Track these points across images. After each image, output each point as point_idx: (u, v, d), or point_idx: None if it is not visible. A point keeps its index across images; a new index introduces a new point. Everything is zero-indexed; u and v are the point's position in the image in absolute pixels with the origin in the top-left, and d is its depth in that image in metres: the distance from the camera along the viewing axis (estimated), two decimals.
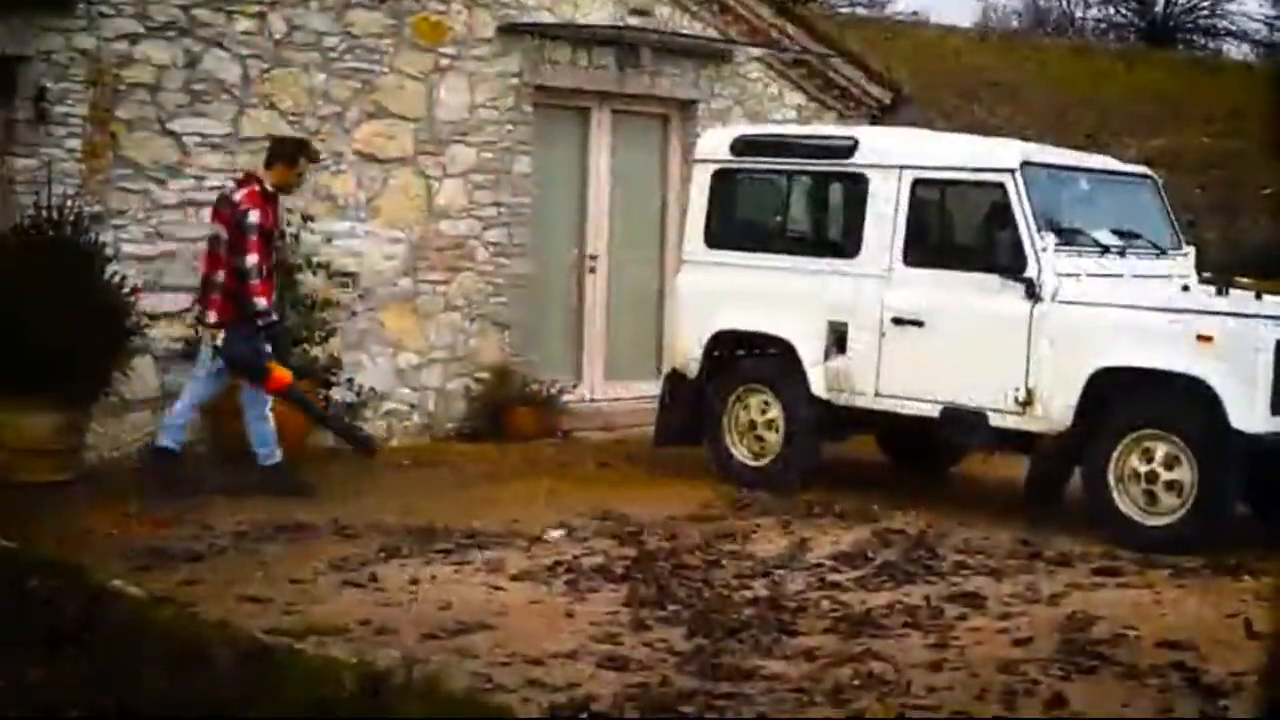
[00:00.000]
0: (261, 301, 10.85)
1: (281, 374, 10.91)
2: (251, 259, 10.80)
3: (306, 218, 12.45)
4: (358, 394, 12.82)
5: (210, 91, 12.16)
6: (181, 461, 11.15)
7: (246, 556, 9.15)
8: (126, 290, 11.28)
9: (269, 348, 10.91)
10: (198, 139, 12.11)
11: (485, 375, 13.76)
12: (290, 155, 11.27)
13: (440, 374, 13.62)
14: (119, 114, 11.74)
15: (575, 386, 14.49)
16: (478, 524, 10.08)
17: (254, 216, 10.84)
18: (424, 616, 7.95)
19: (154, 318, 11.78)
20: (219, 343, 10.89)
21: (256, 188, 10.99)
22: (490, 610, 8.11)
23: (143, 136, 11.84)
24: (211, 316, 10.98)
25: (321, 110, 12.77)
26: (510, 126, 13.92)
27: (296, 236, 12.33)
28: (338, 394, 12.58)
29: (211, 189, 12.04)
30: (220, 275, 10.93)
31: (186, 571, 8.67)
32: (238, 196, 10.92)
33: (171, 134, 11.99)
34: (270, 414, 11.08)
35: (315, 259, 12.48)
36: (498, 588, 8.66)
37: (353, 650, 7.11)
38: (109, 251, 11.35)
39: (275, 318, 11.01)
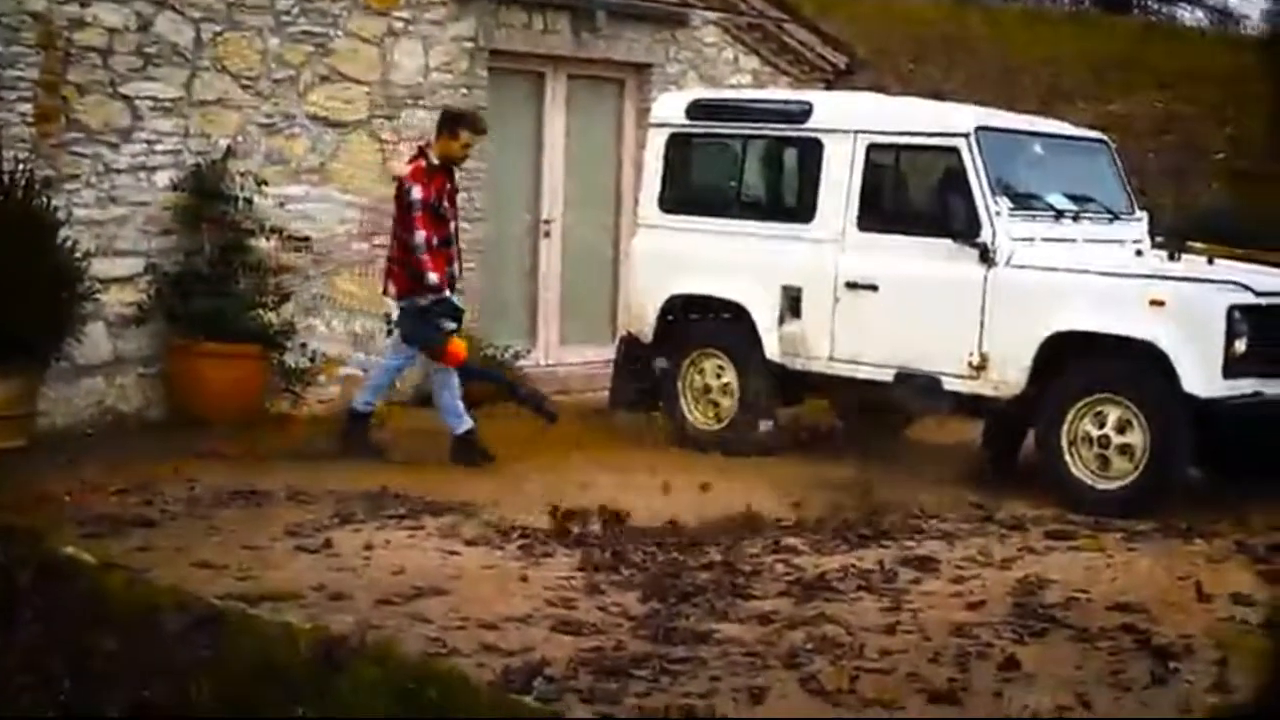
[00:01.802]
0: (432, 276, 10.88)
1: (460, 346, 11.03)
2: (419, 235, 10.87)
3: (260, 181, 12.39)
4: (312, 359, 12.78)
5: (162, 55, 12.07)
6: (368, 424, 11.42)
7: (200, 522, 9.11)
8: (79, 255, 11.22)
9: (451, 323, 10.99)
10: (150, 103, 12.02)
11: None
12: (450, 127, 11.19)
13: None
14: (70, 78, 11.63)
15: (530, 351, 14.47)
16: (431, 489, 10.06)
17: (416, 192, 10.91)
18: (378, 581, 7.93)
19: (106, 283, 11.71)
20: (394, 317, 11.12)
21: (421, 162, 11.07)
22: (444, 575, 8.10)
23: (94, 100, 11.75)
24: (391, 289, 11.18)
25: (275, 74, 12.70)
26: (465, 91, 13.87)
27: (250, 201, 12.27)
28: (291, 359, 12.54)
29: (164, 153, 12.00)
30: (393, 248, 11.16)
31: (140, 538, 8.63)
32: (404, 171, 11.10)
33: (124, 97, 11.90)
34: (455, 385, 11.14)
35: (269, 223, 12.42)
36: (452, 552, 8.65)
37: (307, 616, 7.10)
38: (61, 216, 11.27)
39: (446, 292, 10.97)
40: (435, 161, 11.06)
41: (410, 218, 10.92)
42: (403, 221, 11.00)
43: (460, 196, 13.58)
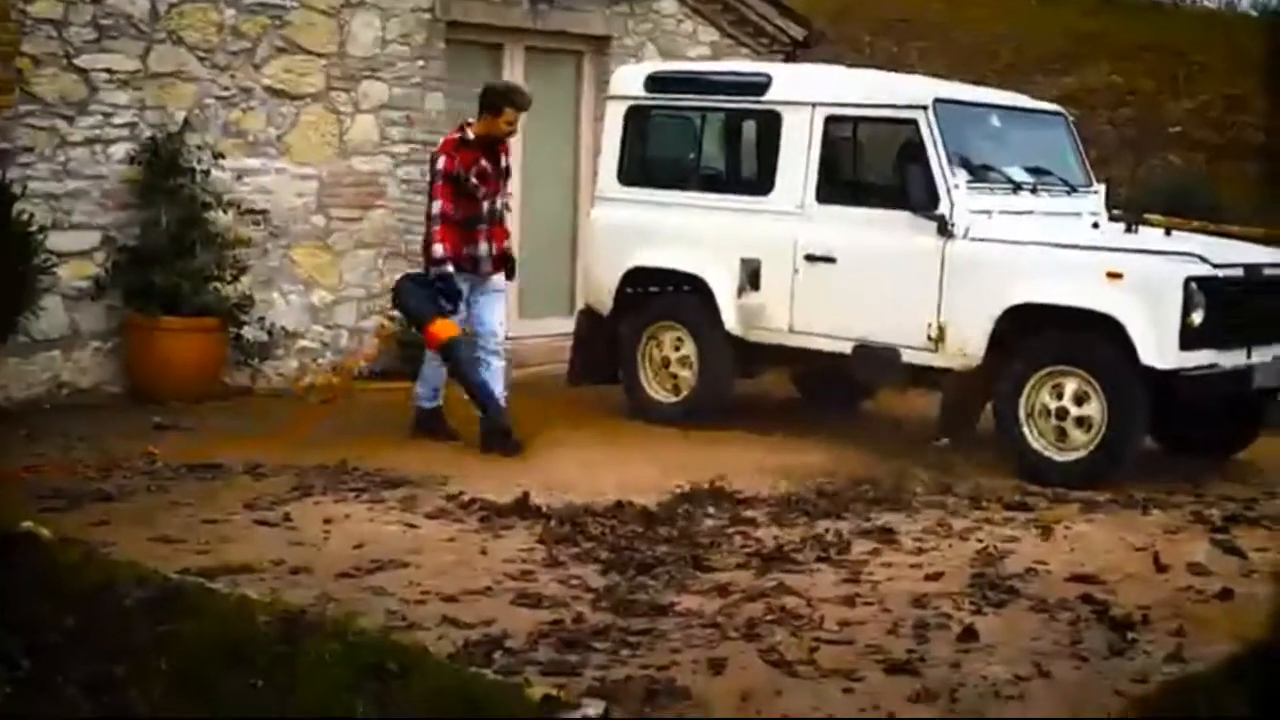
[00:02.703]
0: (438, 248, 10.62)
1: (443, 328, 10.65)
2: (436, 205, 10.68)
3: (217, 154, 12.33)
4: (269, 333, 12.75)
5: (118, 27, 12.00)
6: (437, 414, 11.20)
7: (158, 496, 9.09)
8: (35, 229, 11.15)
9: (448, 304, 10.69)
10: (106, 75, 11.94)
11: (398, 313, 13.68)
12: (493, 104, 10.92)
13: (353, 312, 13.56)
14: (25, 49, 11.55)
15: None
16: (391, 462, 10.05)
17: (439, 163, 10.72)
18: (338, 555, 7.93)
19: (62, 256, 11.64)
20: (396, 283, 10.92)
21: (455, 135, 10.88)
22: (404, 548, 8.10)
23: (50, 72, 11.66)
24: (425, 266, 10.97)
25: (231, 46, 12.63)
26: (422, 63, 13.84)
27: (207, 174, 12.22)
28: (249, 332, 12.51)
29: (120, 125, 11.94)
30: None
31: (98, 512, 8.59)
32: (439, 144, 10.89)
33: (79, 70, 11.81)
34: (435, 361, 10.95)
35: (226, 196, 12.37)
36: (411, 525, 8.64)
37: (266, 590, 7.09)
38: (16, 189, 11.19)
39: (449, 269, 10.67)
40: (471, 137, 10.82)
41: (432, 188, 10.77)
42: (429, 192, 10.86)
43: (416, 169, 13.64)
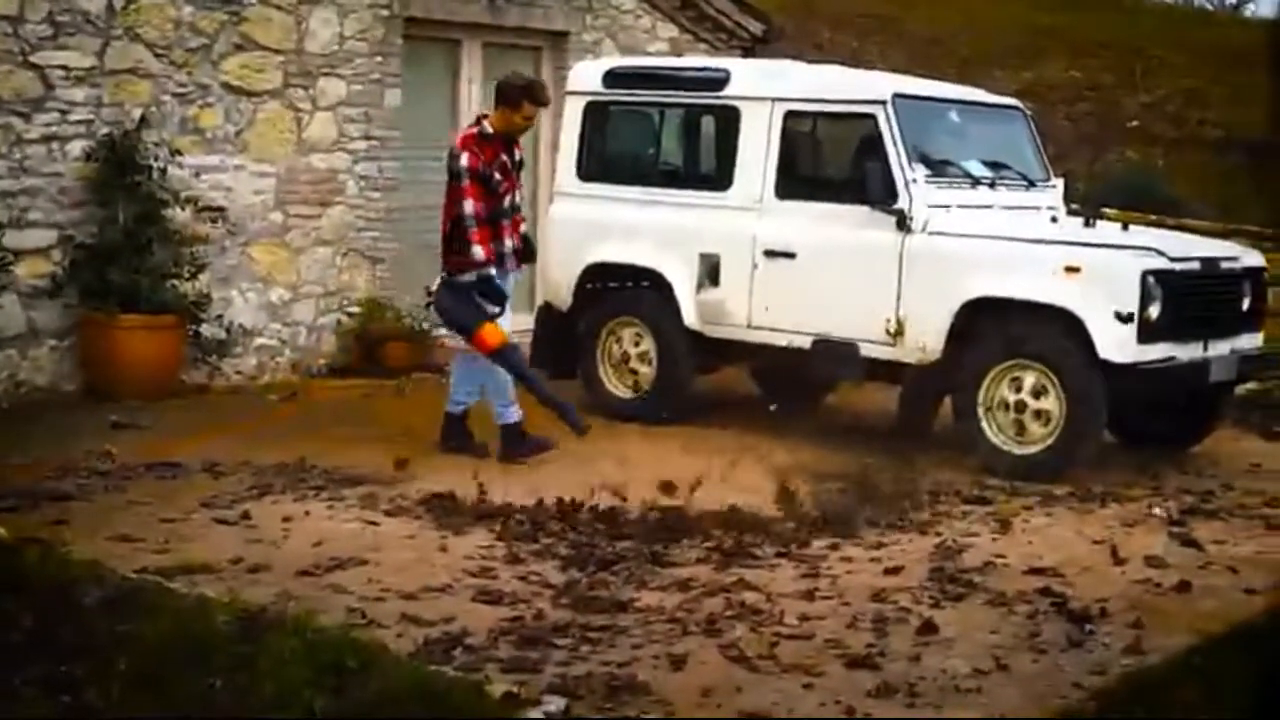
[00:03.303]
0: (478, 250, 10.28)
1: (492, 333, 10.31)
2: (467, 205, 10.29)
3: (174, 151, 12.28)
4: (228, 330, 12.71)
5: (74, 24, 11.93)
6: (461, 419, 10.84)
7: (116, 496, 9.05)
8: None
9: (493, 306, 10.39)
10: (62, 72, 11.88)
11: (357, 310, 13.68)
12: (511, 98, 10.57)
13: (311, 309, 13.52)
14: None
15: None
16: (350, 460, 10.03)
17: (464, 160, 10.33)
18: (297, 553, 7.91)
19: (19, 254, 11.58)
20: (433, 290, 10.49)
21: (473, 130, 10.54)
22: (364, 546, 8.08)
23: (5, 70, 11.59)
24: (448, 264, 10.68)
25: (188, 42, 12.58)
26: (380, 59, 13.80)
27: (164, 171, 12.17)
28: (207, 330, 12.47)
29: (77, 123, 11.88)
30: (444, 222, 10.60)
31: (56, 511, 8.55)
32: (456, 140, 10.59)
33: (35, 67, 11.75)
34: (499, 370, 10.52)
35: (183, 194, 12.32)
36: (371, 523, 8.63)
37: (225, 588, 7.07)
38: None
39: (491, 271, 10.40)
40: (490, 131, 10.50)
41: (458, 187, 10.35)
42: (451, 192, 10.44)
43: (374, 165, 13.61)
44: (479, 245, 10.28)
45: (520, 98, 10.55)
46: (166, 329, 11.93)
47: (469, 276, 10.37)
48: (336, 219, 13.61)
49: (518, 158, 10.80)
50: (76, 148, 11.92)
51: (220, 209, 12.74)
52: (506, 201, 10.58)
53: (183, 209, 12.29)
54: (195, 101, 12.63)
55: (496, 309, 10.39)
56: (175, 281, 12.14)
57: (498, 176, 10.46)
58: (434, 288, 10.53)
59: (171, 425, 11.01)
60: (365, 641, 6.31)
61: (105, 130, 12.05)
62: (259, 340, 13.16)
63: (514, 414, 10.53)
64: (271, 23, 13.09)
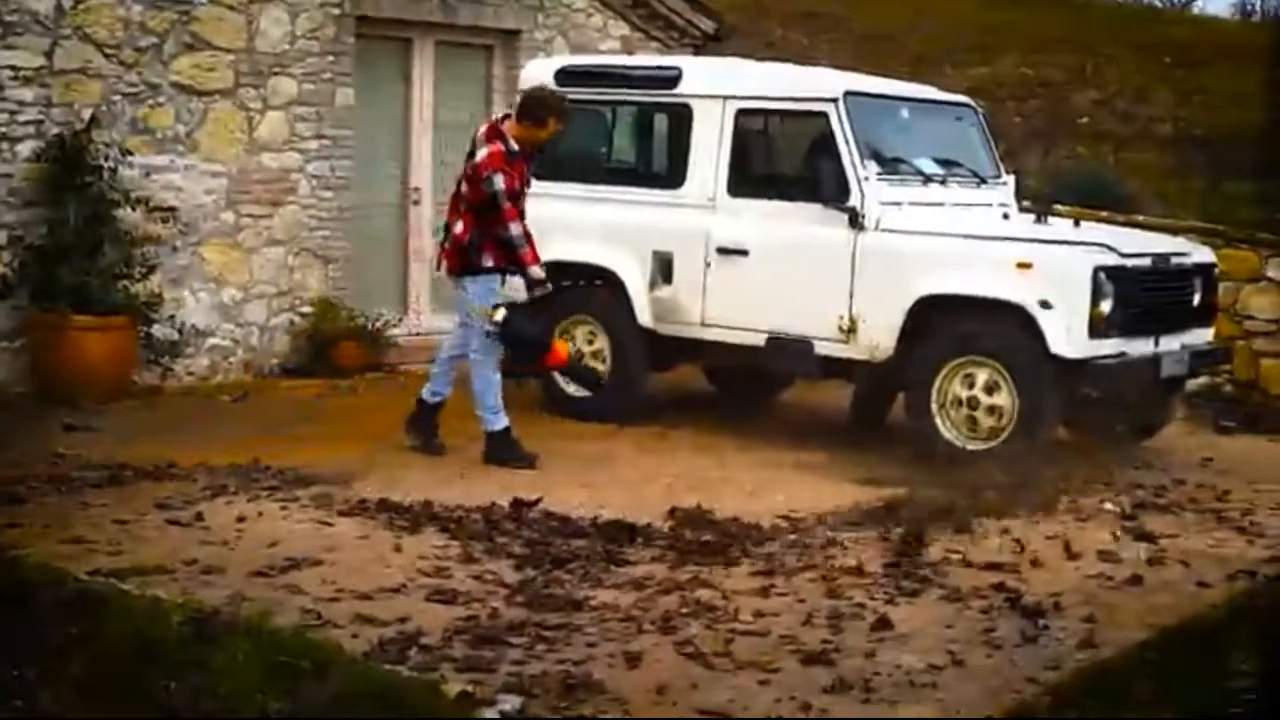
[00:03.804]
0: (536, 270, 10.34)
1: (561, 348, 10.69)
2: (514, 228, 10.26)
3: (125, 151, 12.22)
4: (180, 331, 12.65)
5: (22, 23, 11.87)
6: (434, 410, 10.73)
7: (69, 498, 8.99)
8: None
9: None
10: (10, 72, 11.81)
11: (309, 310, 13.64)
12: (537, 114, 10.50)
13: (264, 309, 13.47)
14: None
15: (401, 319, 14.41)
16: (304, 460, 10.00)
17: (499, 182, 10.21)
18: (251, 554, 7.87)
19: None
20: (499, 318, 10.23)
21: (499, 146, 10.33)
22: (318, 546, 8.05)
23: None
24: (442, 267, 10.66)
25: (138, 41, 12.53)
26: (332, 58, 13.76)
27: (114, 171, 12.11)
28: (159, 331, 12.41)
29: (26, 123, 11.83)
30: (459, 226, 10.44)
31: (8, 514, 8.49)
32: (480, 155, 10.33)
33: None
34: (498, 381, 10.49)
35: (134, 194, 12.26)
36: (325, 523, 8.59)
37: (179, 590, 7.04)
38: None
39: (550, 287, 10.49)
40: (515, 148, 10.38)
41: (499, 210, 10.21)
42: (488, 212, 10.26)
43: (326, 164, 13.58)
44: (536, 265, 10.34)
45: (547, 114, 10.51)
46: (118, 330, 11.87)
47: (477, 284, 10.37)
48: (288, 218, 13.56)
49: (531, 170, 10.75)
50: (26, 148, 11.86)
51: (171, 209, 12.68)
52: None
53: (133, 209, 12.23)
54: (145, 101, 12.58)
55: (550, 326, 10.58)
56: (126, 282, 12.08)
57: (525, 191, 10.50)
58: (498, 317, 10.32)
59: (124, 427, 10.95)
60: (320, 642, 6.29)
61: (55, 130, 11.99)
62: (211, 341, 13.11)
63: (501, 420, 10.44)
64: (222, 22, 13.04)
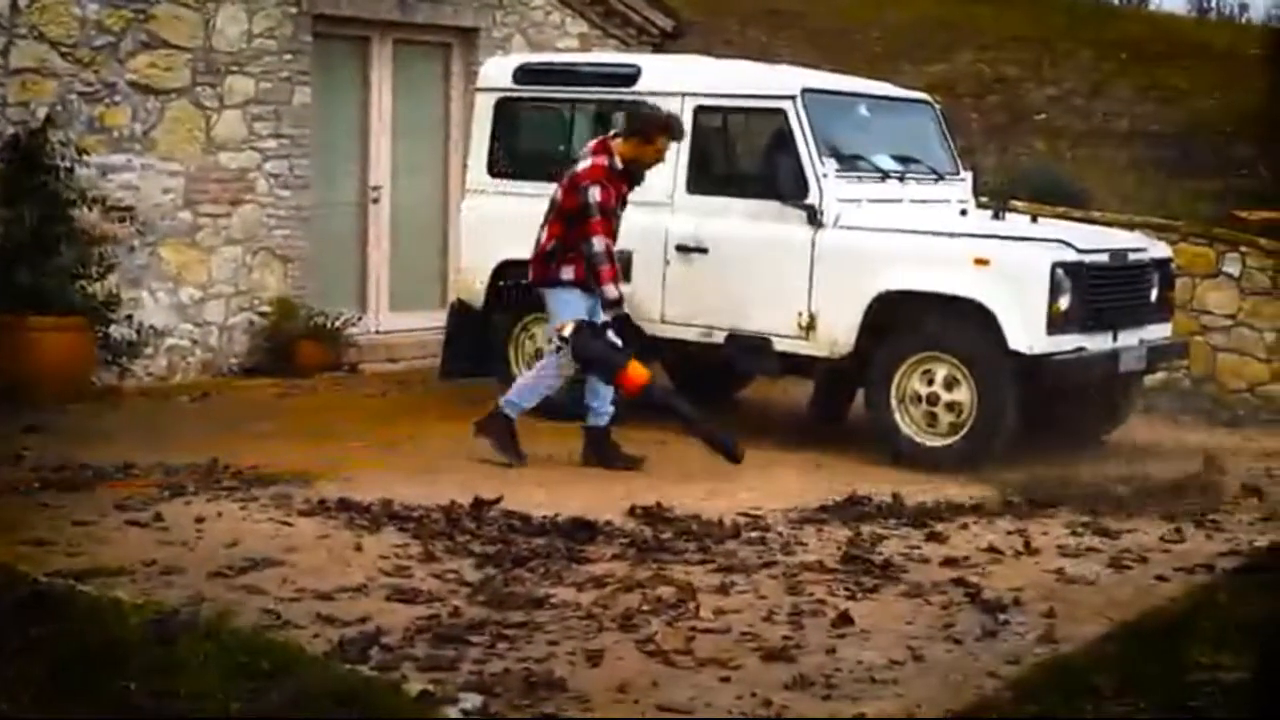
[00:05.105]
0: (611, 290, 10.17)
1: (638, 372, 10.13)
2: (598, 242, 10.11)
3: (81, 151, 12.17)
4: (138, 331, 12.61)
5: None
6: (606, 433, 10.52)
7: (28, 499, 8.95)
8: None
9: (628, 344, 10.20)
10: None
11: (268, 309, 13.61)
12: (645, 131, 10.36)
13: (222, 309, 13.44)
14: None
15: (360, 319, 14.38)
16: (264, 460, 9.97)
17: (595, 194, 10.12)
18: (211, 555, 7.84)
19: None
20: (566, 334, 10.15)
21: (603, 161, 10.27)
22: (278, 546, 8.03)
23: None
24: (530, 276, 10.54)
25: (95, 40, 12.49)
26: (289, 56, 13.73)
27: (71, 170, 12.06)
28: (117, 331, 12.36)
29: None
30: (543, 235, 10.36)
31: None
32: (582, 165, 10.28)
33: None
34: (556, 381, 10.44)
35: (91, 193, 12.21)
36: (285, 523, 8.57)
37: (139, 591, 7.02)
38: None
39: (625, 310, 10.31)
40: (620, 165, 10.33)
41: (588, 221, 10.12)
42: (575, 222, 10.20)
43: (284, 163, 13.54)
44: (611, 284, 10.18)
45: (657, 133, 10.38)
46: (75, 330, 11.83)
47: (556, 296, 10.30)
48: (247, 218, 13.53)
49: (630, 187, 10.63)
50: None
51: (129, 209, 12.64)
52: (618, 230, 10.49)
53: (90, 209, 12.19)
54: (102, 100, 12.54)
55: (630, 348, 10.29)
56: (84, 282, 12.04)
57: (620, 212, 10.40)
58: (566, 332, 10.25)
59: (83, 427, 10.91)
60: (280, 643, 6.27)
61: (10, 130, 11.97)
62: (170, 341, 13.07)
63: (514, 410, 10.37)
64: (179, 20, 13.01)
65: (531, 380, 10.55)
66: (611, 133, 10.71)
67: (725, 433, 10.24)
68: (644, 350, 11.91)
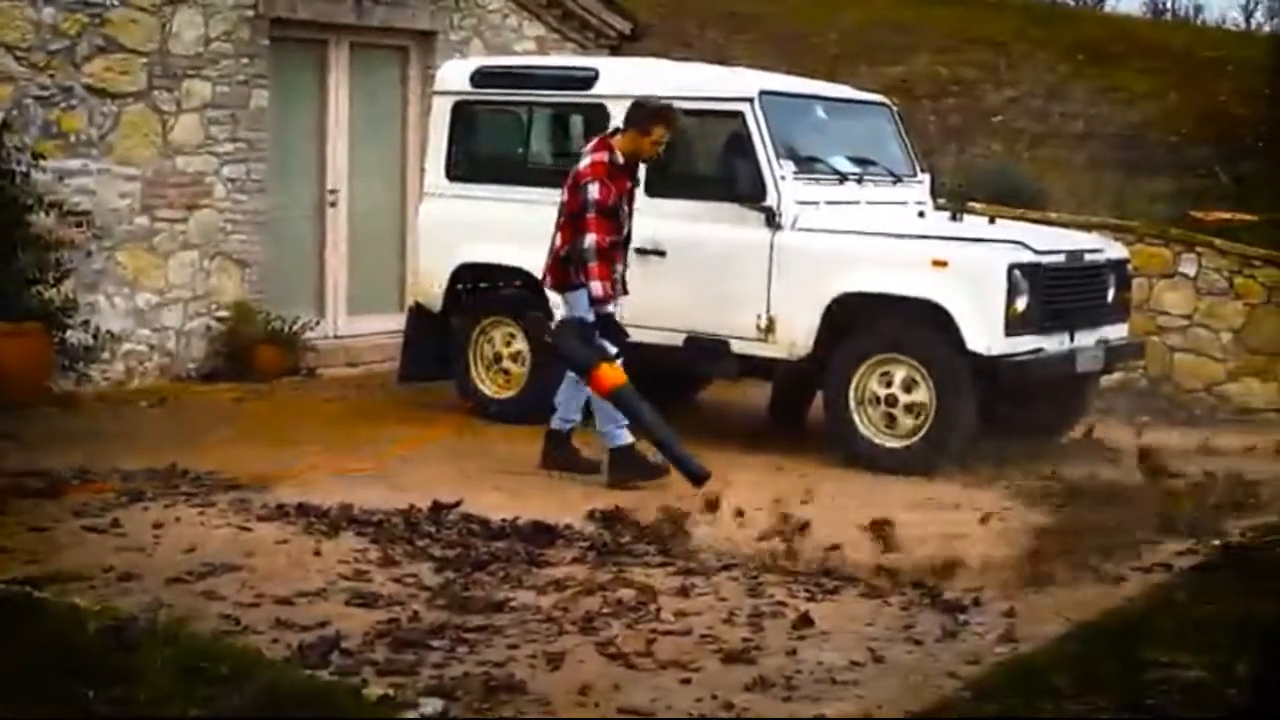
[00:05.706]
0: (596, 287, 9.94)
1: (610, 374, 9.86)
2: (589, 239, 9.93)
3: (37, 156, 12.11)
4: (95, 336, 12.54)
5: None
6: (567, 437, 10.42)
7: None
8: None
9: (612, 346, 10.00)
10: None
11: (226, 314, 13.57)
12: (642, 122, 10.20)
13: (180, 314, 13.39)
14: None
15: (318, 323, 14.35)
16: (222, 465, 9.94)
17: (593, 191, 9.96)
18: (169, 560, 7.82)
19: None
20: (554, 326, 10.04)
21: (604, 156, 10.09)
22: (237, 551, 8.01)
23: None
24: (547, 281, 10.41)
25: (50, 44, 12.43)
26: (246, 60, 13.69)
27: (27, 175, 12.00)
28: (74, 336, 12.31)
29: None
30: (557, 239, 10.23)
31: None
32: (583, 163, 10.13)
33: None
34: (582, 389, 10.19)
35: (47, 198, 12.15)
36: (244, 528, 8.54)
37: (96, 597, 6.98)
38: None
39: (611, 307, 10.09)
40: (621, 160, 10.17)
41: (583, 218, 9.99)
42: (574, 218, 10.07)
43: (241, 167, 13.50)
44: (597, 281, 9.98)
45: (653, 122, 10.25)
46: (32, 336, 11.76)
47: (576, 298, 10.14)
48: (204, 222, 13.49)
49: (638, 179, 10.58)
50: None
51: (85, 213, 12.58)
52: (625, 228, 10.40)
53: (47, 214, 12.13)
54: (58, 104, 12.49)
55: (615, 349, 10.07)
56: (40, 287, 11.98)
57: (625, 209, 10.28)
58: (554, 325, 10.22)
59: (40, 433, 10.86)
60: (239, 648, 6.26)
61: None
62: (127, 346, 13.02)
63: (625, 436, 10.13)
64: (135, 24, 12.96)
65: (568, 391, 10.43)
66: (611, 129, 10.64)
67: (688, 456, 9.83)
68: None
